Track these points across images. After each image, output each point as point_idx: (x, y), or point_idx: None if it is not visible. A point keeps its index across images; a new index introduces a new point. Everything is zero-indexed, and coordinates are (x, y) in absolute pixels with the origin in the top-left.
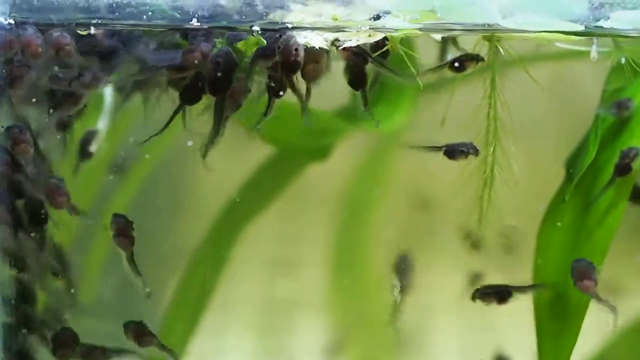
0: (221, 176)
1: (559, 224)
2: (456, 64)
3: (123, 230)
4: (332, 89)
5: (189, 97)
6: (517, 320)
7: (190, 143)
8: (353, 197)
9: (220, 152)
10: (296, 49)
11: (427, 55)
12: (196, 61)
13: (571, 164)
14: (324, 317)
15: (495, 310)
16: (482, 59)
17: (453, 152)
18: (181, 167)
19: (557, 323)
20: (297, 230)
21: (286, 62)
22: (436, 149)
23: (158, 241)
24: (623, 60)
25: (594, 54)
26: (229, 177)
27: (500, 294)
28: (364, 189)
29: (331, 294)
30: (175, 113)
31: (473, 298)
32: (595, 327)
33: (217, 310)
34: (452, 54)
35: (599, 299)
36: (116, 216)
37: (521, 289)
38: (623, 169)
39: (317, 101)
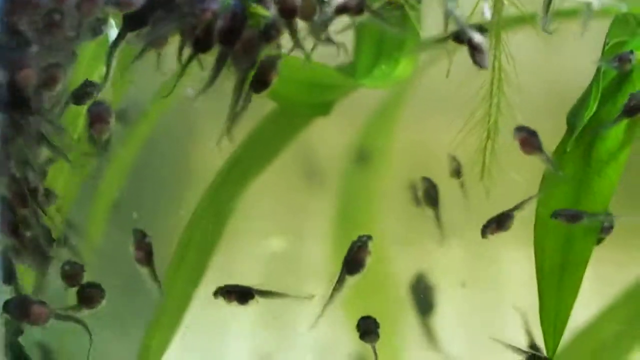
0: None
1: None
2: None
3: (141, 244)
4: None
5: (200, 45)
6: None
7: (190, 91)
8: (358, 153)
9: (221, 107)
10: None
11: (430, 9)
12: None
13: (573, 117)
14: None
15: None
16: (485, 30)
17: None
18: (183, 123)
19: (558, 275)
20: (301, 187)
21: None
22: None
23: (159, 199)
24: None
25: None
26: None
27: (500, 221)
28: (369, 145)
29: (334, 253)
30: (189, 61)
31: (483, 235)
32: (596, 292)
33: (217, 271)
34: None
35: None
36: (135, 231)
37: (518, 206)
38: (632, 111)
39: (318, 57)
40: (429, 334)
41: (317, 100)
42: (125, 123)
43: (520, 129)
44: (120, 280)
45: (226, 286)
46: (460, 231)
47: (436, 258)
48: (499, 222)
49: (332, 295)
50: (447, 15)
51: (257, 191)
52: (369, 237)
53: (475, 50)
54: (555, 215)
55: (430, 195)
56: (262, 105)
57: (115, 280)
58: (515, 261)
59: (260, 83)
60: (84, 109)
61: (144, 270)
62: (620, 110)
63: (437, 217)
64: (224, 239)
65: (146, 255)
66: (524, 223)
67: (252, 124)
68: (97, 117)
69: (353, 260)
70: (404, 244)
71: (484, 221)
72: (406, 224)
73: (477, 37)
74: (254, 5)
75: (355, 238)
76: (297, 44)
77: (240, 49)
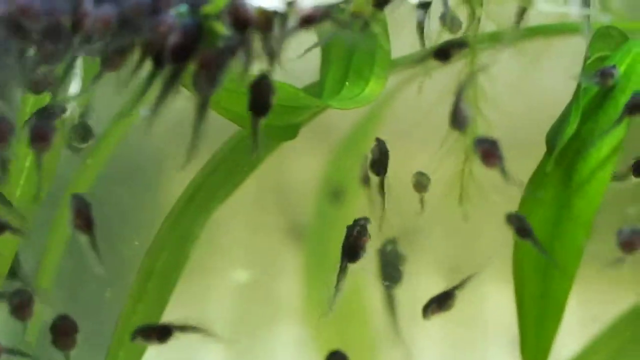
0: (178, 159)
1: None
2: (439, 54)
3: (81, 212)
4: (300, 64)
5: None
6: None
7: (144, 112)
8: (330, 180)
9: (178, 131)
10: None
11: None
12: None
13: (553, 136)
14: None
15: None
16: (466, 45)
17: None
18: (139, 149)
19: (539, 306)
20: (268, 219)
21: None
22: None
23: (116, 227)
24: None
25: None
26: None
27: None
28: (340, 176)
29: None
30: (150, 80)
31: (424, 316)
32: (581, 323)
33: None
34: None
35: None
36: (75, 197)
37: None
38: (633, 109)
39: (282, 77)
40: (392, 310)
41: (283, 123)
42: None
43: (481, 141)
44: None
45: (143, 326)
46: (440, 261)
47: (415, 291)
48: (440, 302)
49: (338, 286)
50: (421, 29)
51: (222, 220)
52: (367, 220)
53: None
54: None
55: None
56: (222, 128)
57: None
58: (497, 294)
59: (261, 107)
60: None
61: (82, 238)
62: (622, 111)
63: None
64: (185, 270)
65: (86, 222)
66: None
67: (212, 149)
68: (39, 135)
69: (353, 247)
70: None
71: (465, 250)
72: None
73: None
74: (211, 19)
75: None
76: (250, 60)
77: (198, 68)
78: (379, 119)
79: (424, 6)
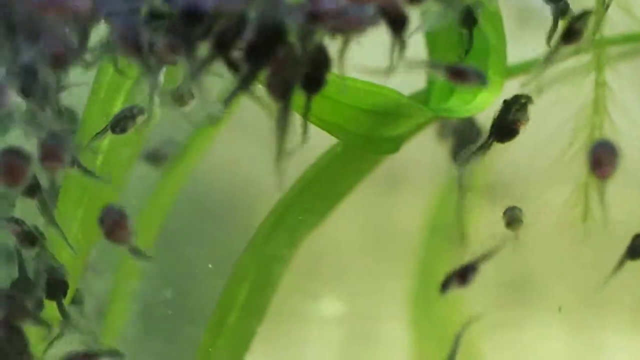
0: (268, 176)
1: None
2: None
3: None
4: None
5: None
6: None
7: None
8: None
9: (267, 143)
10: None
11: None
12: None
13: None
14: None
15: None
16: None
17: None
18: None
19: None
20: (372, 242)
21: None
22: None
23: (200, 247)
24: None
25: None
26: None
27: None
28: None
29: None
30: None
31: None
32: None
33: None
34: None
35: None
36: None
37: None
38: None
39: (384, 80)
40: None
41: (383, 134)
42: (157, 164)
43: (599, 146)
44: None
45: None
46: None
47: (533, 344)
48: (462, 275)
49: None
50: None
51: (314, 244)
52: (529, 99)
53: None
54: None
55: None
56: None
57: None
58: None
59: (313, 80)
60: None
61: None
62: None
63: None
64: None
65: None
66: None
67: (305, 164)
68: (50, 153)
69: (506, 126)
70: (495, 326)
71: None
72: (496, 300)
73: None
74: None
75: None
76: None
77: (275, 72)
78: None
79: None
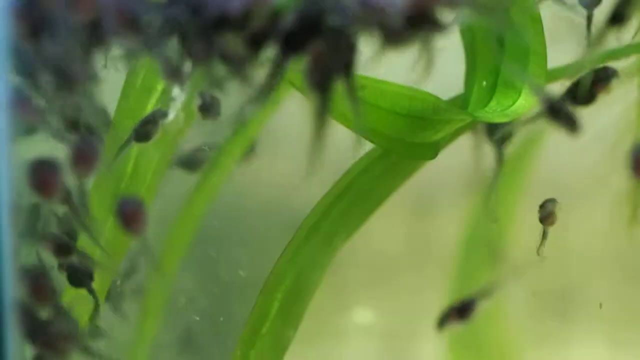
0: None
1: None
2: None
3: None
4: (442, 69)
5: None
6: None
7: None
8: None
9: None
10: None
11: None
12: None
13: None
14: None
15: None
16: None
17: None
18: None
19: None
20: (409, 254)
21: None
22: None
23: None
24: None
25: None
26: (311, 180)
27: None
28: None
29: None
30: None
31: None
32: None
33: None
34: None
35: None
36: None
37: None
38: None
39: (422, 83)
40: None
41: (421, 139)
42: (191, 170)
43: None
44: None
45: None
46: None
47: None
48: (460, 312)
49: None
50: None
51: (351, 253)
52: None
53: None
54: None
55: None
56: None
57: None
58: None
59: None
60: None
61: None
62: None
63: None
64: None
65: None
66: None
67: (340, 170)
68: (81, 156)
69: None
70: (537, 341)
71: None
72: (538, 314)
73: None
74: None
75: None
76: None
77: (315, 63)
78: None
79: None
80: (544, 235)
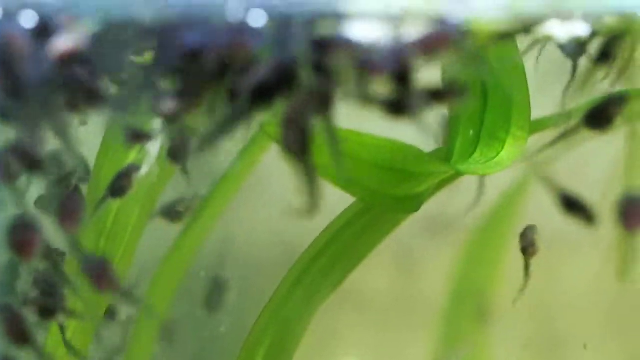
0: (281, 235)
1: None
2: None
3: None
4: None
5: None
6: None
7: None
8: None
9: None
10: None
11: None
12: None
13: None
14: None
15: None
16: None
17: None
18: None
19: None
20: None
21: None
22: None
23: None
24: None
25: None
26: (292, 234)
27: None
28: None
29: None
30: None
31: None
32: None
33: None
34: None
35: None
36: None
37: None
38: None
39: (403, 135)
40: None
41: (404, 192)
42: (172, 220)
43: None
44: None
45: None
46: None
47: None
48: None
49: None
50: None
51: (337, 304)
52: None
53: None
54: None
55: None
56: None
57: None
58: None
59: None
60: None
61: None
62: None
63: None
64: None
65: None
66: None
67: (321, 224)
68: (67, 212)
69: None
70: None
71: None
72: None
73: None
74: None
75: None
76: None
77: (286, 124)
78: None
79: (579, 47)
80: (527, 270)
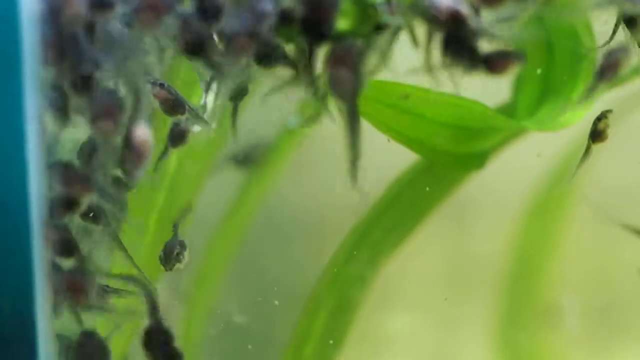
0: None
1: None
2: None
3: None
4: (488, 80)
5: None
6: None
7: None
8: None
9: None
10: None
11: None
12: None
13: None
14: None
15: None
16: None
17: None
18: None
19: None
20: (450, 270)
21: None
22: None
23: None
24: None
25: None
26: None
27: None
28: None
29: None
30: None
31: None
32: None
33: None
34: None
35: None
36: None
37: None
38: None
39: (469, 93)
40: None
41: (468, 149)
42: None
43: None
44: None
45: None
46: None
47: None
48: None
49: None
50: None
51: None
52: (609, 111)
53: None
54: None
55: None
56: (397, 156)
57: None
58: None
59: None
60: None
61: None
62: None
63: None
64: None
65: None
66: None
67: (386, 181)
68: (104, 111)
69: (597, 133)
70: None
71: None
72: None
73: None
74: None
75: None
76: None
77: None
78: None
79: None
80: (587, 151)
